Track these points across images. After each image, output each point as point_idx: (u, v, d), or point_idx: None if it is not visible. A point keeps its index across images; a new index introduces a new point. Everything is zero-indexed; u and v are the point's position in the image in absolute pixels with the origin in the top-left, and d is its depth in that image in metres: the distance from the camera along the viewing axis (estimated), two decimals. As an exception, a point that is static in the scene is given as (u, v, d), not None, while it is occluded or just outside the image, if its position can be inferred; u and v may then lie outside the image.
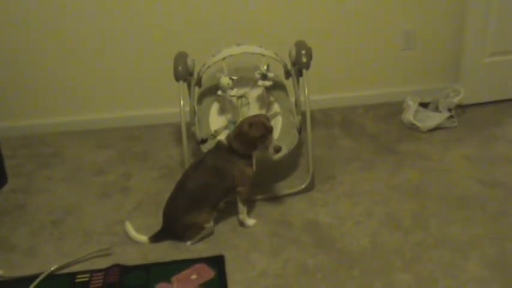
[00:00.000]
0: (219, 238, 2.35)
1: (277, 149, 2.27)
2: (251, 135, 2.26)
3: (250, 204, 2.49)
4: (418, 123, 3.19)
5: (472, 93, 3.37)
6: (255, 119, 2.32)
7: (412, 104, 3.29)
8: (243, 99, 2.76)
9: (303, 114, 2.72)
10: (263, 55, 2.67)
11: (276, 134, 2.59)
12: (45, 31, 3.19)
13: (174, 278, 2.11)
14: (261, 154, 2.34)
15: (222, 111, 2.78)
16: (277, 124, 2.71)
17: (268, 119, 2.36)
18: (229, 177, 2.32)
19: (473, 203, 2.51)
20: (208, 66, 2.69)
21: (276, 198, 2.60)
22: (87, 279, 2.11)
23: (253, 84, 2.74)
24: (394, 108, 3.45)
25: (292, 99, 2.87)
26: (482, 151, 2.95)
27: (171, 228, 2.31)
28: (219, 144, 2.39)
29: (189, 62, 2.71)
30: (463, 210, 2.46)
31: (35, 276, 2.11)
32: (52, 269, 2.15)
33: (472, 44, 3.28)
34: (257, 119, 2.31)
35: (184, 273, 2.13)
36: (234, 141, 2.30)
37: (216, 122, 2.75)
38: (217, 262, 2.18)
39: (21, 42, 3.21)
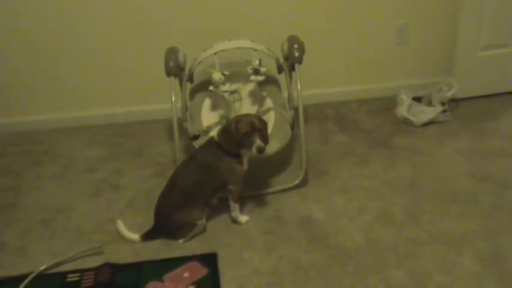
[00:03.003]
0: (212, 235, 2.33)
1: (260, 149, 2.22)
2: (235, 133, 2.24)
3: (242, 201, 2.47)
4: (411, 118, 3.18)
5: (466, 87, 3.36)
6: (243, 117, 2.29)
7: (405, 99, 3.28)
8: (235, 94, 2.74)
9: (296, 109, 2.70)
10: (255, 50, 2.65)
11: (268, 129, 2.56)
12: (35, 28, 3.15)
13: (166, 276, 2.09)
14: (247, 152, 2.31)
15: (214, 106, 2.75)
16: (270, 119, 2.68)
17: (259, 120, 2.32)
18: (218, 173, 2.30)
19: (466, 198, 2.50)
20: (200, 62, 2.66)
21: (269, 195, 2.59)
22: (78, 278, 2.09)
23: (246, 79, 2.72)
24: (388, 103, 3.44)
25: (285, 94, 2.85)
26: (475, 145, 2.94)
27: (163, 226, 2.29)
28: (210, 141, 2.37)
29: (181, 57, 2.68)
30: (457, 205, 2.45)
31: (25, 276, 2.09)
32: (42, 268, 2.13)
33: (465, 38, 3.26)
34: (246, 118, 2.28)
35: (176, 271, 2.12)
36: (220, 137, 2.29)
37: (208, 118, 2.72)
38: (209, 260, 2.17)
39: (11, 38, 3.17)
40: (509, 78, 3.45)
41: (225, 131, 2.28)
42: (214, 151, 2.30)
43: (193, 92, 2.80)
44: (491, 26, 3.25)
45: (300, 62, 2.67)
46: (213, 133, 2.54)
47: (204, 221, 2.31)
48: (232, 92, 2.72)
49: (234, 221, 2.39)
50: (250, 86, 2.74)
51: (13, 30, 3.15)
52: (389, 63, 3.52)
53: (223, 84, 2.63)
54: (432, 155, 2.88)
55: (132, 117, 3.42)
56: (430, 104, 3.29)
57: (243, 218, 2.40)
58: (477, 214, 2.38)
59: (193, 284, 2.05)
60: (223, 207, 2.44)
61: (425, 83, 3.46)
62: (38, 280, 2.09)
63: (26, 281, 2.06)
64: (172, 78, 2.64)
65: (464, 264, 2.09)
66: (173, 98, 2.60)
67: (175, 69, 2.65)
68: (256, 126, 2.24)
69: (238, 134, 2.23)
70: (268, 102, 2.77)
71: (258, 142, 2.22)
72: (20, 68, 3.25)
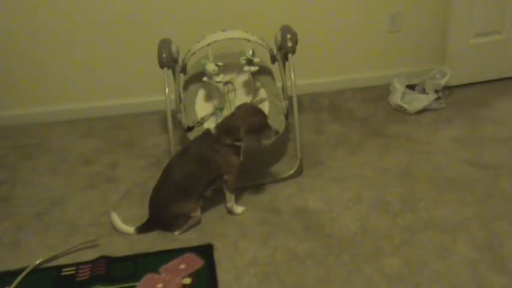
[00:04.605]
0: (207, 227, 2.32)
1: (276, 133, 2.32)
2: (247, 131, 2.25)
3: (238, 192, 2.46)
4: (405, 106, 3.18)
5: (459, 74, 3.36)
6: (246, 115, 2.29)
7: (399, 87, 3.28)
8: (229, 85, 2.73)
9: (290, 99, 2.69)
10: (248, 40, 2.63)
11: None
12: (26, 20, 3.11)
13: (162, 268, 2.09)
14: (251, 144, 2.31)
15: (208, 97, 2.74)
16: (264, 110, 2.67)
17: (257, 110, 2.34)
18: (214, 166, 2.29)
19: (461, 184, 2.50)
20: (193, 53, 2.65)
21: (264, 185, 2.58)
22: (73, 272, 2.09)
23: (239, 70, 2.70)
24: (382, 91, 3.43)
25: (279, 84, 2.84)
26: (470, 132, 2.95)
27: (158, 218, 2.29)
28: (205, 133, 2.35)
29: (173, 48, 2.67)
30: (452, 192, 2.45)
31: (20, 271, 2.08)
32: (37, 262, 2.12)
33: (457, 25, 3.26)
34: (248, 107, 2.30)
35: (172, 263, 2.11)
36: (224, 136, 2.27)
37: (203, 109, 2.71)
38: (205, 251, 2.16)
39: (1, 31, 3.13)
40: (502, 64, 3.46)
41: (229, 130, 2.27)
42: (210, 143, 2.29)
43: (187, 84, 2.78)
44: (484, 13, 3.24)
45: (293, 52, 2.66)
46: (207, 124, 2.53)
47: (199, 212, 2.30)
48: (226, 83, 2.71)
49: (230, 211, 2.39)
50: (244, 77, 2.72)
51: (3, 24, 3.11)
52: (382, 51, 3.51)
53: (217, 75, 2.61)
54: (426, 143, 2.88)
55: (125, 109, 3.39)
56: (423, 91, 3.28)
57: (239, 209, 2.39)
58: (472, 201, 2.38)
59: (189, 275, 2.05)
60: (218, 198, 2.43)
61: (419, 71, 3.45)
62: (33, 274, 2.08)
63: (21, 276, 2.05)
64: (165, 69, 2.62)
65: (460, 251, 2.09)
66: (166, 90, 2.58)
67: (168, 60, 2.63)
68: (261, 119, 2.28)
69: (251, 132, 2.26)
70: (262, 93, 2.76)
71: (272, 128, 2.30)
72: (11, 60, 3.22)
